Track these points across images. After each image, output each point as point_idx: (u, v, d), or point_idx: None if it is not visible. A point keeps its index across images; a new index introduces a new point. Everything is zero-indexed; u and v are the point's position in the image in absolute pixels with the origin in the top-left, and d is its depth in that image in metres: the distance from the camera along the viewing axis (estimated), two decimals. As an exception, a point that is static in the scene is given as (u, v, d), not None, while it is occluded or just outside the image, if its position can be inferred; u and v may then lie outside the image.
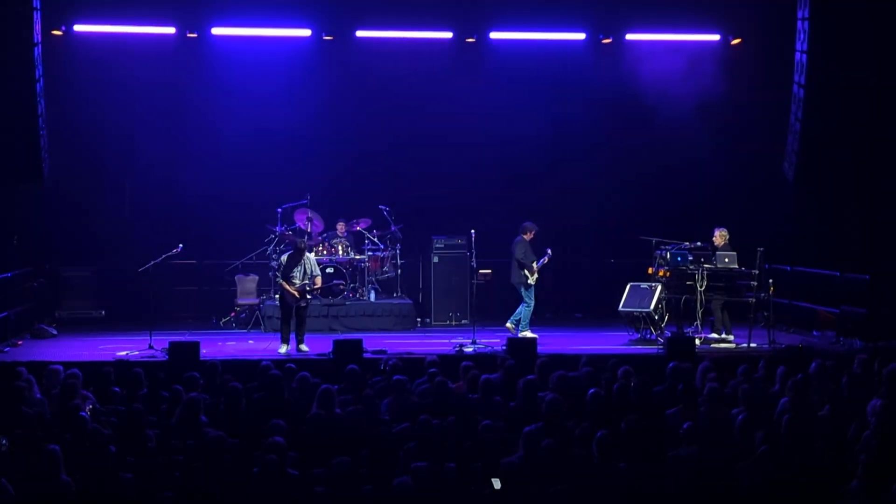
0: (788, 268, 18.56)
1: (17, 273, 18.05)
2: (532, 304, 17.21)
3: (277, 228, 18.94)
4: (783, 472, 8.77)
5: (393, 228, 19.50)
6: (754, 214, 19.87)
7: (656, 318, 16.67)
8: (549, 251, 17.18)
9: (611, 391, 11.10)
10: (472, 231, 17.45)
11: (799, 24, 18.14)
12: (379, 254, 19.32)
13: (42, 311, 18.90)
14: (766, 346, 15.97)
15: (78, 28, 19.49)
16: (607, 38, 20.49)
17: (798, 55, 18.19)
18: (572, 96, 20.27)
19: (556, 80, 20.36)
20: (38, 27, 17.27)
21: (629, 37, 20.47)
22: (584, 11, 20.32)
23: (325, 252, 18.97)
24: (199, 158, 19.86)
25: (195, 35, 19.76)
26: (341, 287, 18.77)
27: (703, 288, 16.41)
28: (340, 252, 19.05)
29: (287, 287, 15.86)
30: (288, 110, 19.69)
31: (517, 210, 18.87)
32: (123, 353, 15.26)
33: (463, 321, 19.19)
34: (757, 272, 16.44)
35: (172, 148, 19.91)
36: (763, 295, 16.47)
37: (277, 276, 16.38)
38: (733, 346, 16.36)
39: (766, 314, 16.75)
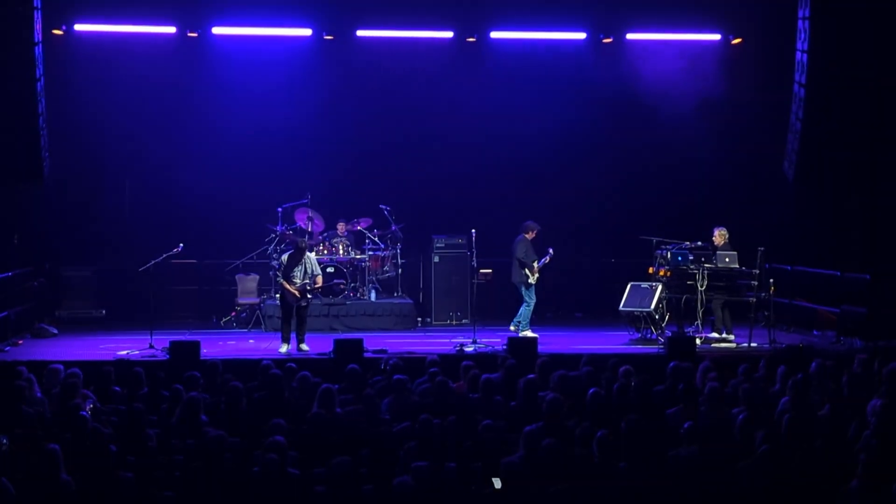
0: (789, 267, 18.57)
1: (18, 272, 18.06)
2: (532, 304, 17.23)
3: (278, 228, 18.95)
4: (783, 472, 8.76)
5: (393, 228, 19.49)
6: (754, 214, 19.89)
7: (657, 317, 16.66)
8: (551, 251, 17.19)
9: (611, 391, 11.09)
10: (473, 231, 17.46)
11: (799, 23, 18.10)
12: (379, 253, 19.32)
13: (42, 311, 18.91)
14: (767, 345, 15.96)
15: (78, 27, 19.48)
16: (608, 37, 20.46)
17: (798, 55, 18.15)
18: (573, 96, 20.20)
19: (557, 79, 20.32)
20: (38, 26, 17.23)
21: (630, 36, 20.44)
22: (584, 11, 20.30)
23: (325, 251, 18.98)
24: (200, 158, 19.83)
25: (196, 34, 19.74)
26: (342, 286, 18.77)
27: (704, 287, 16.41)
28: (341, 251, 19.05)
29: (288, 286, 15.86)
30: (288, 110, 19.68)
31: (518, 209, 18.87)
32: (124, 352, 15.26)
33: (463, 321, 19.18)
34: (757, 272, 16.45)
35: (173, 147, 19.88)
36: (763, 294, 16.48)
37: (278, 276, 16.37)
38: (734, 345, 16.35)
39: (766, 314, 16.75)
